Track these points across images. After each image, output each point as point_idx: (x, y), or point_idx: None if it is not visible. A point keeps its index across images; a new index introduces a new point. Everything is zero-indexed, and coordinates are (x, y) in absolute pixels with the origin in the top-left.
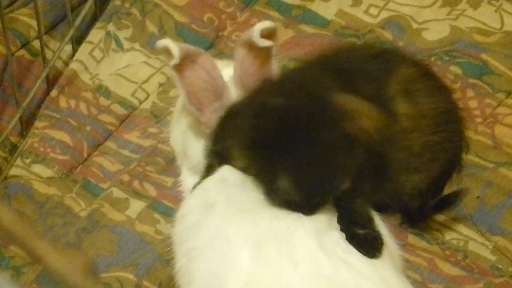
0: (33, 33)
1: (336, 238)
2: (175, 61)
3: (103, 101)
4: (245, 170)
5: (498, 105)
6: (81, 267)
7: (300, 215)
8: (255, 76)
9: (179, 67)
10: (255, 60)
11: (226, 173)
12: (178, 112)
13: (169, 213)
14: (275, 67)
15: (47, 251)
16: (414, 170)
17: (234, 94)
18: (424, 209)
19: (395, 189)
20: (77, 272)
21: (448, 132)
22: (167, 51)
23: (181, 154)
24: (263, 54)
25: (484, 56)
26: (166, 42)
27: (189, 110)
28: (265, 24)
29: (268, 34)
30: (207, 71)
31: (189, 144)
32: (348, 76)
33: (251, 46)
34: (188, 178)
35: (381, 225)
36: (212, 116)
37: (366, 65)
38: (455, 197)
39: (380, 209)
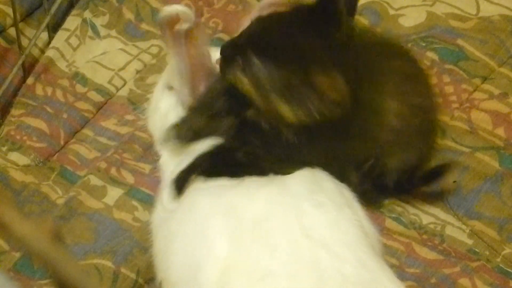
0: (9, 21)
1: (315, 218)
2: (188, 25)
3: (79, 88)
4: None
5: (474, 91)
6: (47, 234)
7: (279, 195)
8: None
9: (186, 36)
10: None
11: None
12: (156, 97)
13: (146, 200)
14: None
15: (12, 218)
16: (399, 150)
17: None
18: (413, 180)
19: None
20: (43, 239)
21: (426, 117)
22: (169, 20)
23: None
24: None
25: (460, 41)
26: (177, 7)
27: (180, 86)
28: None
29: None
30: (203, 48)
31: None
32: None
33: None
34: (168, 162)
35: (359, 208)
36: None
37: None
38: (444, 168)
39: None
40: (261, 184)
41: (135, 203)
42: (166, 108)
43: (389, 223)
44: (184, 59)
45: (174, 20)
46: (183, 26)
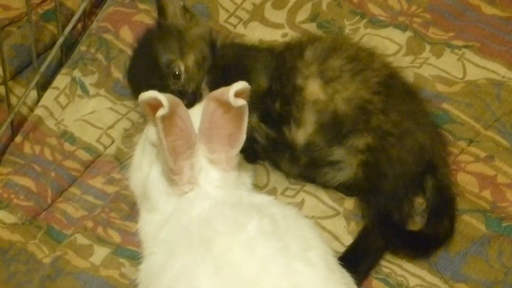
0: None
1: (307, 276)
2: (164, 111)
3: (68, 147)
4: None
5: (460, 153)
6: None
7: (270, 252)
8: (224, 130)
9: (165, 118)
10: (224, 114)
11: (187, 217)
12: (139, 156)
13: (134, 257)
14: (245, 123)
15: None
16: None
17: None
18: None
19: None
20: None
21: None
22: (150, 103)
23: (140, 196)
24: (235, 110)
25: (445, 105)
26: (153, 93)
27: (167, 159)
28: (240, 85)
29: (241, 92)
30: (184, 121)
31: (150, 185)
32: None
33: (222, 101)
34: (146, 217)
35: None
36: (184, 163)
37: None
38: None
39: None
40: (259, 240)
41: (122, 260)
42: (150, 167)
43: (376, 284)
44: (165, 138)
45: (154, 103)
46: (160, 112)
